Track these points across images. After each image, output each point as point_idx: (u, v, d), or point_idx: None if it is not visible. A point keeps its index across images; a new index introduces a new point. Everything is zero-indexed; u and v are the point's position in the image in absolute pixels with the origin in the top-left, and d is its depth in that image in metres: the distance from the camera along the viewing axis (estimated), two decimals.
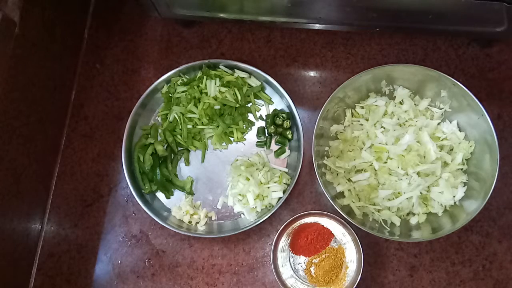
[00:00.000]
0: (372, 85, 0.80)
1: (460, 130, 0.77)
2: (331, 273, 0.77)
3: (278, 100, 0.86)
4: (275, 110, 0.86)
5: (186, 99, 0.83)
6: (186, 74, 0.86)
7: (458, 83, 0.72)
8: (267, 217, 0.77)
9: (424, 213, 0.76)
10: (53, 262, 0.83)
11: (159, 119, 0.87)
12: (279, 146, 0.84)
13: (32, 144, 0.79)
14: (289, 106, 0.83)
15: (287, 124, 0.83)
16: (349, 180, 0.79)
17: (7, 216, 0.74)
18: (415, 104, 0.80)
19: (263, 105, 0.87)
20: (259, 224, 0.78)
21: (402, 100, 0.80)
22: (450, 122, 0.78)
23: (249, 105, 0.86)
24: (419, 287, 0.78)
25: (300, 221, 0.79)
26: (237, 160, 0.84)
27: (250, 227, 0.78)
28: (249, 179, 0.79)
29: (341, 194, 0.78)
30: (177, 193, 0.84)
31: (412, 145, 0.76)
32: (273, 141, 0.85)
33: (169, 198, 0.84)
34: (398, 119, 0.79)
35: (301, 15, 0.77)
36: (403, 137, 0.76)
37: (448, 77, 0.73)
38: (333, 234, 0.79)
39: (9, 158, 0.73)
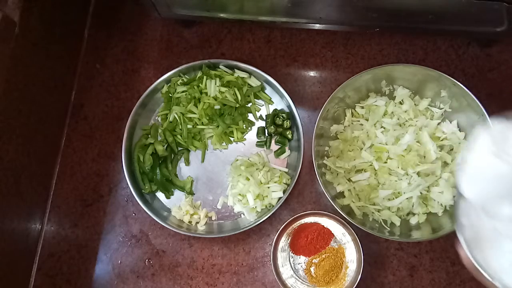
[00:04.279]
0: (372, 85, 0.80)
1: (460, 130, 0.77)
2: (331, 273, 0.77)
3: (278, 100, 0.86)
4: (275, 110, 0.86)
5: (186, 99, 0.83)
6: (186, 74, 0.86)
7: (458, 83, 0.72)
8: (267, 217, 0.77)
9: (424, 213, 0.76)
10: (53, 262, 0.83)
11: (159, 119, 0.87)
12: (279, 146, 0.84)
13: (32, 144, 0.79)
14: (289, 106, 0.83)
15: (287, 124, 0.83)
16: (349, 180, 0.79)
17: (7, 216, 0.74)
18: (415, 104, 0.80)
19: (263, 105, 0.87)
20: (259, 224, 0.78)
21: (402, 100, 0.80)
22: (450, 122, 0.78)
23: (249, 105, 0.86)
24: (419, 287, 0.78)
25: (300, 221, 0.79)
26: (237, 160, 0.84)
27: (250, 227, 0.78)
28: (249, 179, 0.79)
29: (341, 194, 0.78)
30: (177, 193, 0.84)
31: (412, 145, 0.76)
32: (273, 141, 0.85)
33: (169, 198, 0.84)
34: (398, 119, 0.79)
35: (301, 15, 0.77)
36: (403, 137, 0.76)
37: (448, 77, 0.73)
38: (333, 234, 0.79)
39: (9, 158, 0.73)
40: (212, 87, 0.83)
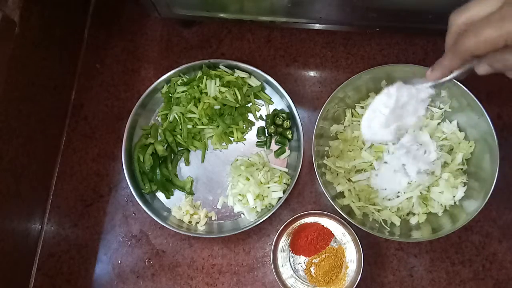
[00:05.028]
0: (372, 85, 0.80)
1: (460, 130, 0.77)
2: (331, 273, 0.77)
3: (278, 100, 0.86)
4: (275, 110, 0.86)
5: (186, 99, 0.83)
6: (186, 74, 0.86)
7: (458, 83, 0.72)
8: (267, 217, 0.77)
9: (424, 213, 0.76)
10: (53, 262, 0.83)
11: (159, 119, 0.87)
12: (279, 146, 0.84)
13: (32, 144, 0.79)
14: (289, 106, 0.83)
15: (287, 124, 0.83)
16: (349, 180, 0.79)
17: (7, 216, 0.74)
18: None
19: (263, 105, 0.87)
20: (259, 224, 0.78)
21: None
22: (450, 122, 0.78)
23: (249, 105, 0.86)
24: (419, 287, 0.78)
25: (300, 221, 0.79)
26: (237, 160, 0.84)
27: (250, 227, 0.78)
28: (249, 179, 0.79)
29: (341, 194, 0.78)
30: (177, 193, 0.85)
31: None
32: (273, 141, 0.85)
33: (169, 198, 0.84)
34: None
35: (301, 15, 0.77)
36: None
37: None
38: (333, 234, 0.79)
39: (9, 158, 0.73)
40: (212, 87, 0.83)
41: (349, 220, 0.72)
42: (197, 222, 0.82)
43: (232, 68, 0.85)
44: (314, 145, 0.75)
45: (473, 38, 0.44)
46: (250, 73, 0.85)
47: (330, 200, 0.72)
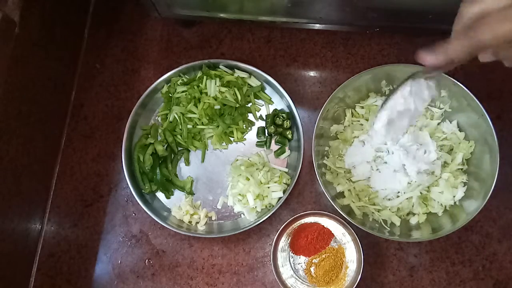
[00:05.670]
0: (372, 85, 0.80)
1: (460, 130, 0.77)
2: (331, 273, 0.77)
3: (278, 100, 0.86)
4: (275, 110, 0.86)
5: (186, 99, 0.83)
6: (186, 74, 0.86)
7: (458, 83, 0.72)
8: (267, 217, 0.77)
9: (424, 213, 0.76)
10: (53, 262, 0.83)
11: (159, 119, 0.87)
12: (279, 146, 0.84)
13: (32, 144, 0.79)
14: (289, 106, 0.83)
15: (287, 124, 0.83)
16: (349, 180, 0.79)
17: (7, 216, 0.74)
18: None
19: (263, 105, 0.87)
20: (259, 224, 0.78)
21: None
22: (450, 122, 0.78)
23: (249, 105, 0.86)
24: (419, 287, 0.78)
25: (300, 221, 0.79)
26: (237, 160, 0.84)
27: (250, 227, 0.78)
28: (249, 179, 0.79)
29: (341, 194, 0.78)
30: (177, 193, 0.85)
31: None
32: (273, 141, 0.85)
33: (169, 198, 0.84)
34: None
35: (301, 15, 0.77)
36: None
37: (448, 77, 0.73)
38: (333, 234, 0.79)
39: (9, 158, 0.73)
40: (212, 87, 0.83)
41: (349, 220, 0.72)
42: (197, 222, 0.82)
43: (232, 68, 0.85)
44: (314, 145, 0.75)
45: (490, 32, 0.43)
46: (250, 73, 0.85)
47: (330, 200, 0.72)
